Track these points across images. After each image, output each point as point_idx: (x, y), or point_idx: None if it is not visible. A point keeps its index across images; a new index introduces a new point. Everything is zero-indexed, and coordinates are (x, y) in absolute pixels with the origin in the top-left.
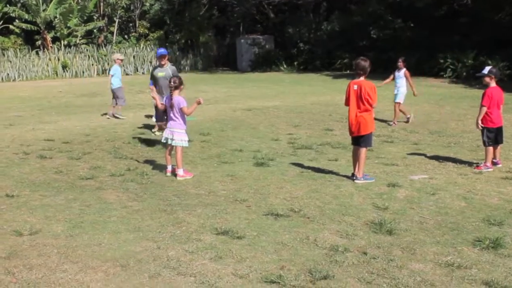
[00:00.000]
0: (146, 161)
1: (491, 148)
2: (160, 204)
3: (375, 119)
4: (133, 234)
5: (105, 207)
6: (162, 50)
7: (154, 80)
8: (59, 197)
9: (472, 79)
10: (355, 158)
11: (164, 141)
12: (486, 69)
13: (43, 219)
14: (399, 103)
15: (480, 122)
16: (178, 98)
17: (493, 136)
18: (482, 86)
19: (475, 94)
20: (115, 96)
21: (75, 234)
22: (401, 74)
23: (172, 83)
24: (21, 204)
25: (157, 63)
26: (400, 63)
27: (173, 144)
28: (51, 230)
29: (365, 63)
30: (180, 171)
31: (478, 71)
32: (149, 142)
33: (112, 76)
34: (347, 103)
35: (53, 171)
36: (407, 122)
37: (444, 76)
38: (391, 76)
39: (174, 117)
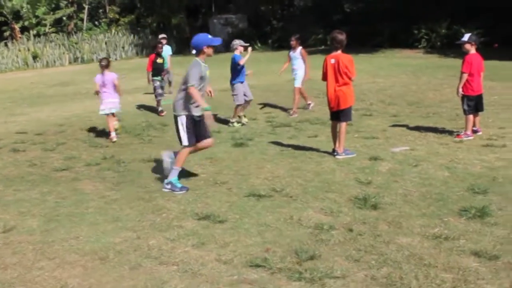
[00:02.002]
0: (122, 148)
1: (471, 116)
2: (139, 192)
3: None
4: (112, 224)
5: (82, 198)
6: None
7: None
8: (33, 191)
9: (447, 48)
10: (335, 133)
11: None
12: (466, 36)
13: (17, 215)
14: (299, 88)
15: (460, 90)
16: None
17: (474, 104)
18: (458, 54)
19: (450, 63)
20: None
21: (51, 229)
22: (297, 54)
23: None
24: None
25: (202, 59)
26: (293, 42)
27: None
28: (26, 226)
29: (341, 36)
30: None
31: (452, 40)
32: (125, 129)
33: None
34: (324, 77)
35: (26, 165)
36: (306, 108)
37: (419, 46)
38: (288, 60)
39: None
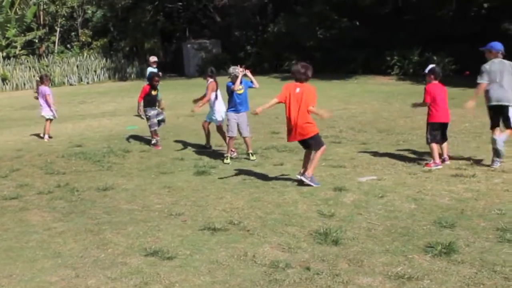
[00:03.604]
0: (79, 175)
1: (434, 145)
2: (88, 224)
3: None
4: (51, 261)
5: (25, 231)
6: None
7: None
8: None
9: (419, 75)
10: (308, 159)
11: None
12: (428, 68)
13: None
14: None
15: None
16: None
17: (439, 133)
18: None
19: (422, 90)
20: None
21: None
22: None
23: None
24: None
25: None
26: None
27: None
28: None
29: (307, 71)
30: None
31: (424, 68)
32: (85, 155)
33: None
34: (282, 99)
35: None
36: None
37: (392, 73)
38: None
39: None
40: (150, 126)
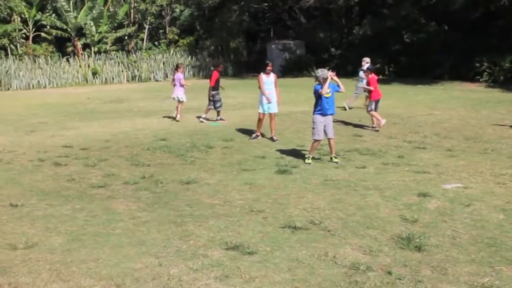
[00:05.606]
0: (163, 168)
1: None
2: (171, 215)
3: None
4: (136, 248)
5: (112, 218)
6: None
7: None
8: (65, 206)
9: (510, 82)
10: None
11: None
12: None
13: (43, 231)
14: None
15: None
16: None
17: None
18: None
19: None
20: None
21: (73, 248)
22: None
23: None
24: (23, 215)
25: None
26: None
27: None
28: (48, 244)
29: None
30: None
31: None
32: (169, 148)
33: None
34: None
35: (65, 179)
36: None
37: (481, 80)
38: None
39: None
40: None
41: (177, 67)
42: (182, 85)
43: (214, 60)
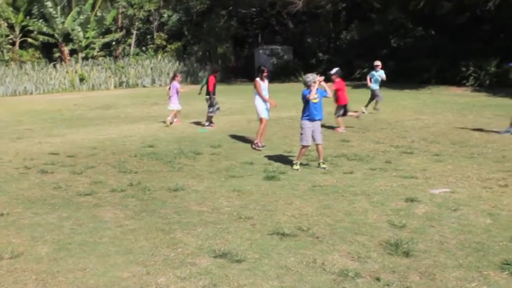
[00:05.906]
0: (151, 175)
1: None
2: (158, 223)
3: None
4: (123, 257)
5: (99, 226)
6: None
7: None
8: (52, 215)
9: (496, 86)
10: None
11: None
12: (334, 70)
13: (29, 240)
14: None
15: None
16: None
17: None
18: (508, 93)
19: (499, 102)
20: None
21: (59, 258)
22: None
23: None
24: (9, 223)
25: None
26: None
27: None
28: (34, 253)
29: None
30: None
31: (501, 79)
32: (157, 155)
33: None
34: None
35: (51, 187)
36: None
37: (467, 84)
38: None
39: None
40: (212, 112)
41: (174, 76)
42: (177, 93)
43: (213, 65)
